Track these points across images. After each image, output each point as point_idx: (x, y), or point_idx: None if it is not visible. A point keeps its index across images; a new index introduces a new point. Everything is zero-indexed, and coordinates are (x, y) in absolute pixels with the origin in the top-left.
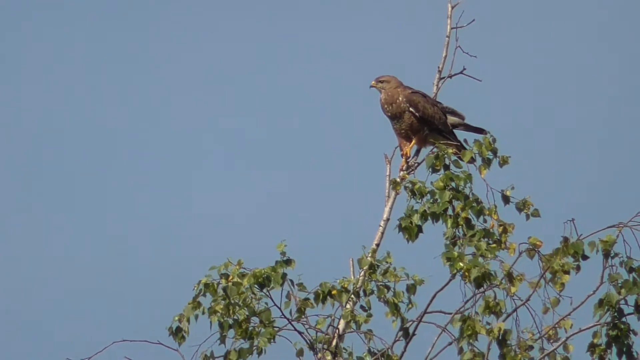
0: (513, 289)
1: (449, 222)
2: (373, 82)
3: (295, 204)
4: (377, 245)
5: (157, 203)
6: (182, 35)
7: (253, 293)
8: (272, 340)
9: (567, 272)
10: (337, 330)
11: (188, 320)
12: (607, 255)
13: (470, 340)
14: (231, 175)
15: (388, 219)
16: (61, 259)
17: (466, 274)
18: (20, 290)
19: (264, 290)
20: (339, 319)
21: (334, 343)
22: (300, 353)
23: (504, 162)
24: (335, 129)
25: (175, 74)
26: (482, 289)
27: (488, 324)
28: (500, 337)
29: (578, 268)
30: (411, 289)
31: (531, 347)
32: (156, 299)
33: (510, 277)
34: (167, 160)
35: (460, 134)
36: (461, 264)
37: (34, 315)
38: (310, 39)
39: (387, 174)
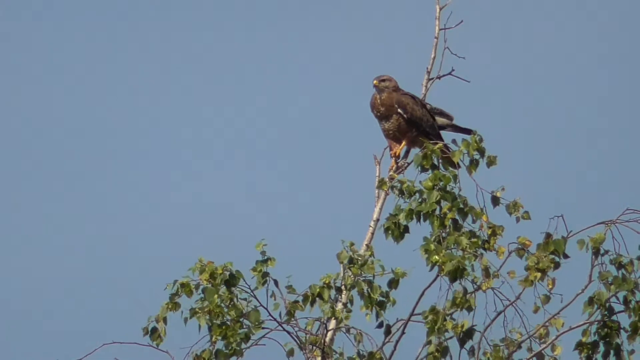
0: (489, 283)
1: (436, 223)
2: (375, 82)
3: (289, 205)
4: (367, 245)
5: (153, 203)
6: (181, 31)
7: (230, 293)
8: (246, 341)
9: (541, 270)
10: (324, 327)
11: (165, 321)
12: (596, 253)
13: (439, 335)
14: (226, 175)
15: (378, 219)
16: (55, 259)
17: (443, 267)
18: (13, 290)
19: (234, 289)
20: (327, 319)
21: (327, 340)
22: (290, 353)
23: (491, 162)
24: (328, 129)
25: (170, 73)
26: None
27: (453, 319)
28: (461, 334)
29: (556, 266)
30: (393, 283)
31: (519, 347)
32: (150, 299)
33: (487, 273)
34: (162, 160)
35: (448, 135)
36: (436, 257)
37: (26, 316)
38: (300, 40)
39: (377, 174)
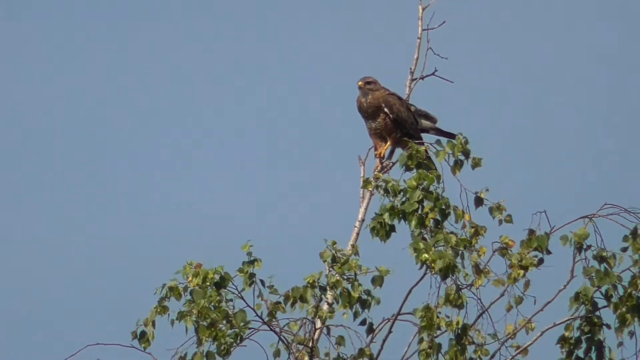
0: (479, 281)
1: (413, 222)
2: (360, 83)
3: (274, 207)
4: (352, 246)
5: (149, 203)
6: (179, 31)
7: (219, 295)
8: (238, 339)
9: (524, 268)
10: (313, 326)
11: (153, 325)
12: (579, 248)
13: (430, 332)
14: (216, 177)
15: (363, 220)
16: (51, 259)
17: (433, 265)
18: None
19: (222, 290)
20: (313, 319)
21: (316, 337)
22: (277, 354)
23: (475, 164)
24: (311, 130)
25: (170, 73)
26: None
27: (447, 317)
28: (458, 332)
29: (540, 262)
30: (377, 280)
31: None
32: (142, 300)
33: (477, 269)
34: (158, 162)
35: (432, 137)
36: (426, 255)
37: (15, 315)
38: (286, 41)
39: (362, 175)
